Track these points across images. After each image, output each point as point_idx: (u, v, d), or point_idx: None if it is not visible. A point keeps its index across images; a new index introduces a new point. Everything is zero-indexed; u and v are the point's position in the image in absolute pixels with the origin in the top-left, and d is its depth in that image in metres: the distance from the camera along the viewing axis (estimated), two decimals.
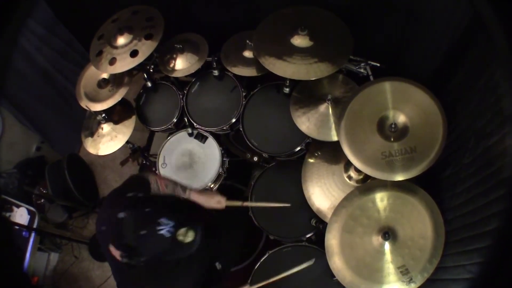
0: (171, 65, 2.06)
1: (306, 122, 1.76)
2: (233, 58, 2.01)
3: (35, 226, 2.42)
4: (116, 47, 1.94)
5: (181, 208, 1.57)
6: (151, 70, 2.12)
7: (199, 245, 1.36)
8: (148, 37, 1.91)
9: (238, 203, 1.73)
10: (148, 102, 2.19)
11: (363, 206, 1.53)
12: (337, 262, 1.52)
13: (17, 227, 2.32)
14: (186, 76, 2.07)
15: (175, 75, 2.06)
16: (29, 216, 2.42)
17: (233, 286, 1.86)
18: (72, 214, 2.91)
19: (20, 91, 2.51)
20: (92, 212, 2.94)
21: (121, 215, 1.23)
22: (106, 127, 2.08)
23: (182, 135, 2.10)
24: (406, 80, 1.50)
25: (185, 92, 2.12)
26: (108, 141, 2.06)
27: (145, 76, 2.11)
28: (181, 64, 2.05)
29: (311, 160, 1.83)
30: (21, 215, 2.42)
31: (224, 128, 2.03)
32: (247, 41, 1.90)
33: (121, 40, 1.93)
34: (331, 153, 1.79)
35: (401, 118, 1.48)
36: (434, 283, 1.43)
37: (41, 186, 2.75)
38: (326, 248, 1.55)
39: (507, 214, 1.08)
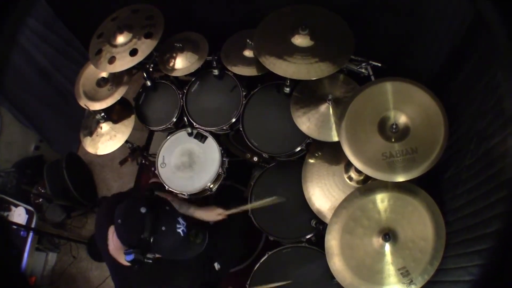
0: (171, 64, 2.05)
1: (307, 122, 1.75)
2: (233, 57, 2.00)
3: (33, 225, 2.41)
4: (115, 46, 1.93)
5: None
6: (151, 69, 2.11)
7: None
8: (148, 35, 1.89)
9: (237, 210, 1.80)
10: (148, 101, 2.18)
11: (363, 207, 1.52)
12: (337, 263, 1.51)
13: (15, 227, 2.32)
14: (186, 75, 2.06)
15: (174, 74, 2.05)
16: (27, 216, 2.42)
17: (233, 287, 1.86)
18: (70, 214, 2.90)
19: (18, 90, 2.50)
20: (90, 212, 2.93)
21: (143, 210, 1.27)
22: (105, 126, 2.07)
23: (182, 134, 2.09)
24: (407, 81, 1.49)
25: (185, 91, 2.11)
26: (107, 140, 2.05)
27: (145, 75, 2.10)
28: (181, 63, 2.04)
29: (311, 161, 1.82)
30: (19, 215, 2.42)
31: (224, 128, 2.02)
32: (248, 40, 1.89)
33: (121, 39, 1.92)
34: (332, 153, 1.78)
35: (402, 119, 1.47)
36: (434, 285, 1.42)
37: (39, 185, 2.74)
38: (326, 249, 1.54)
39: (508, 216, 1.08)
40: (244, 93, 2.02)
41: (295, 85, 1.85)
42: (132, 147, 2.25)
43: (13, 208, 2.43)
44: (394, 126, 1.45)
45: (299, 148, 1.86)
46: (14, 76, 2.45)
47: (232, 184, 2.25)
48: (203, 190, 1.99)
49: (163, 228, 1.27)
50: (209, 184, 1.96)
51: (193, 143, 2.05)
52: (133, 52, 1.87)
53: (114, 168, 3.00)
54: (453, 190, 1.45)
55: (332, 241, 1.54)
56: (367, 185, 1.61)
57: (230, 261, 1.98)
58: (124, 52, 1.89)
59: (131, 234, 1.28)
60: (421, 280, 1.38)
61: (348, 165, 1.71)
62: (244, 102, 2.00)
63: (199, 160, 2.03)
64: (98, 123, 2.08)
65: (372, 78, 1.68)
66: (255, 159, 2.03)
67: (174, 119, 2.07)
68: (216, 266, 1.79)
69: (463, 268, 1.31)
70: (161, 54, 2.08)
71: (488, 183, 1.20)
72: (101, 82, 2.06)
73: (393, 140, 1.46)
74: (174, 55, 2.05)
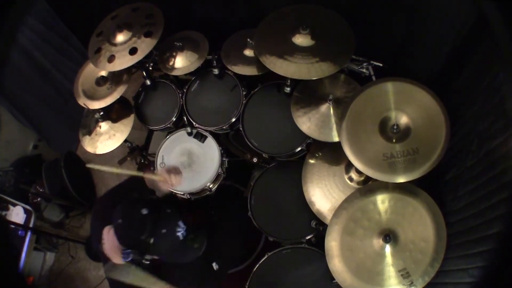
0: (171, 63, 2.04)
1: (307, 122, 1.74)
2: (233, 56, 1.99)
3: (31, 225, 2.40)
4: (115, 45, 1.92)
5: (188, 215, 1.68)
6: (150, 68, 2.10)
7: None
8: (148, 34, 1.89)
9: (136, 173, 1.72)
10: (147, 100, 2.17)
11: (364, 208, 1.51)
12: (337, 265, 1.50)
13: (13, 226, 2.31)
14: (185, 74, 2.05)
15: (174, 73, 2.04)
16: (25, 215, 2.41)
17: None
18: (68, 213, 2.89)
19: (17, 88, 2.49)
20: (89, 212, 2.92)
21: (145, 211, 1.27)
22: (104, 126, 2.06)
23: (181, 134, 2.08)
24: (409, 81, 1.48)
25: (185, 90, 2.10)
26: (106, 139, 2.04)
27: (144, 74, 2.09)
28: (181, 62, 2.04)
29: (311, 161, 1.81)
30: (17, 214, 2.41)
31: (224, 127, 2.01)
32: (248, 40, 1.88)
33: (120, 37, 1.91)
34: (332, 154, 1.77)
35: (404, 119, 1.47)
36: (435, 287, 1.41)
37: (37, 184, 2.74)
38: (326, 250, 1.53)
39: (510, 218, 1.07)
40: (244, 93, 2.01)
41: (295, 85, 1.84)
42: (131, 147, 2.24)
43: (11, 207, 2.42)
44: (395, 127, 1.45)
45: (299, 149, 1.85)
46: (13, 74, 2.43)
47: (232, 184, 2.24)
48: (203, 190, 1.98)
49: (163, 231, 1.28)
50: (208, 184, 1.95)
51: (193, 143, 2.05)
52: (133, 51, 1.86)
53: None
54: (454, 191, 1.44)
55: (332, 242, 1.53)
56: (368, 186, 1.60)
57: (228, 261, 1.97)
58: (124, 50, 1.88)
59: (131, 234, 1.28)
60: (422, 281, 1.37)
61: (349, 166, 1.70)
62: (244, 101, 1.99)
63: (198, 160, 2.02)
64: (97, 122, 2.07)
65: (373, 78, 1.68)
66: (255, 160, 2.02)
67: (174, 119, 2.06)
68: (214, 266, 1.78)
69: (464, 270, 1.30)
70: (161, 53, 2.07)
71: (490, 184, 1.19)
72: (101, 81, 2.05)
73: (394, 140, 1.46)
74: (174, 54, 2.04)
